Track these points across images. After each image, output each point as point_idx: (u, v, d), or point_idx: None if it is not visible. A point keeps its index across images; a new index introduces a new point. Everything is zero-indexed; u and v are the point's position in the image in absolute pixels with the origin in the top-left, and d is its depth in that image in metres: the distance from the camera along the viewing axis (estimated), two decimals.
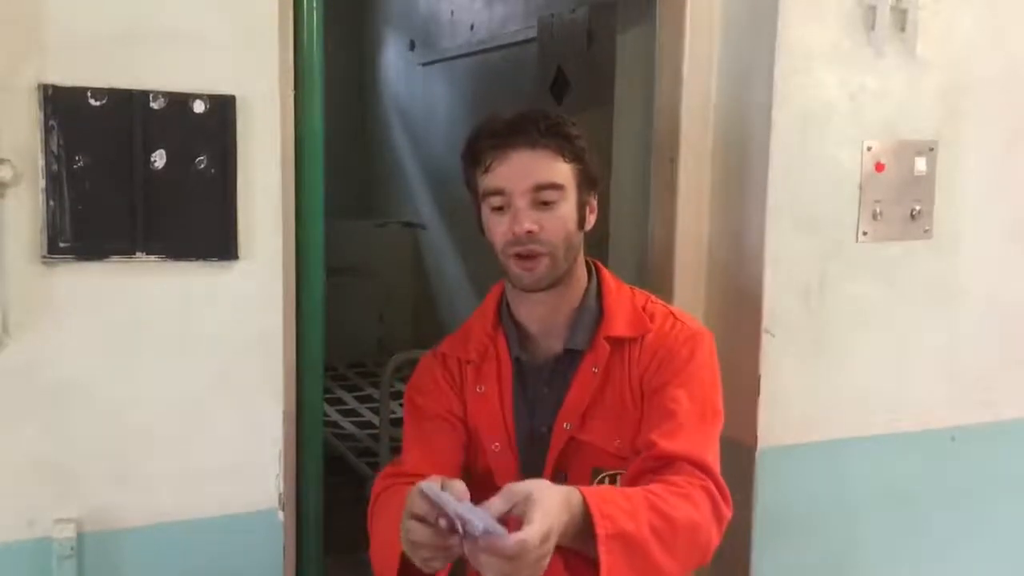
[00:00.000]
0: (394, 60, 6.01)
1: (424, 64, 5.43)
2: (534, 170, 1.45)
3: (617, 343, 1.52)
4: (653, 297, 1.61)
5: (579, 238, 1.52)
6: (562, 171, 1.47)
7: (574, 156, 1.49)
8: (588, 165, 1.51)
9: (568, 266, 1.51)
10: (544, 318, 1.55)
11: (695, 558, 1.34)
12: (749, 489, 1.93)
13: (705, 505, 1.35)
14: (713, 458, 1.43)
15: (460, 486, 1.15)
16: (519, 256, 1.46)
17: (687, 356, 1.49)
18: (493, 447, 1.53)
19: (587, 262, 1.59)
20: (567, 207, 1.48)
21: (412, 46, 5.68)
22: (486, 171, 1.48)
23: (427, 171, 5.46)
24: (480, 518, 1.08)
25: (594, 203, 1.55)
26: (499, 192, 1.46)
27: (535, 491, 1.15)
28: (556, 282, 1.50)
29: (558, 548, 1.19)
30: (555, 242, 1.46)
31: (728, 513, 1.39)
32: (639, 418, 1.49)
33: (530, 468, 1.49)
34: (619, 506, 1.24)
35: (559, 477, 1.47)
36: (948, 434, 2.11)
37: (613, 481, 1.48)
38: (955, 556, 2.17)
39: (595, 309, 1.55)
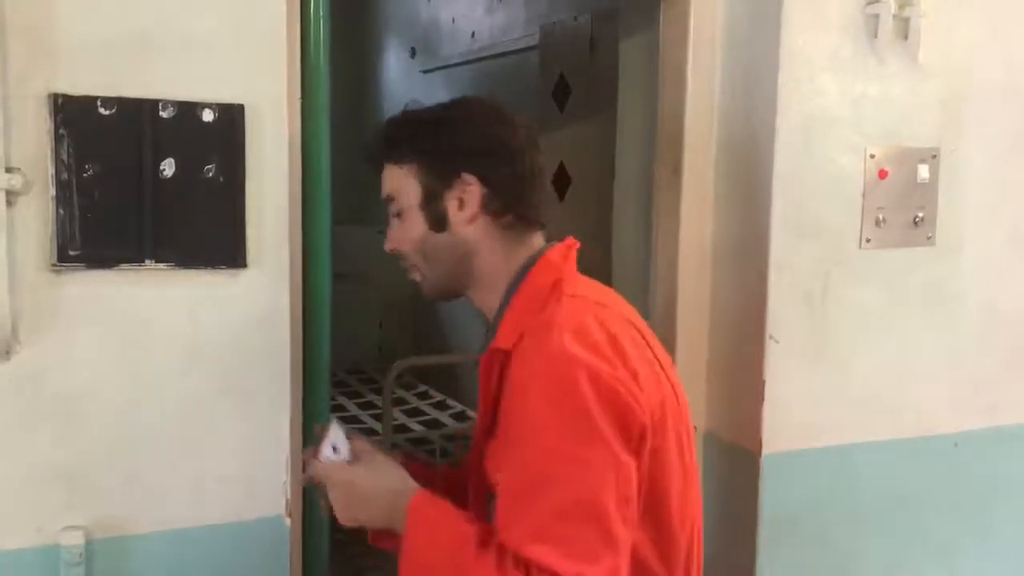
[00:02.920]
0: (395, 67, 6.02)
1: (425, 71, 5.44)
2: (382, 188, 1.39)
3: (504, 356, 1.27)
4: (560, 304, 1.26)
5: (443, 241, 1.33)
6: (395, 179, 1.36)
7: (411, 154, 1.34)
8: (432, 157, 1.33)
9: (447, 272, 1.36)
10: (485, 318, 1.41)
11: None
12: (754, 494, 1.93)
13: None
14: (547, 544, 1.12)
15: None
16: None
17: (524, 396, 1.20)
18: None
19: (538, 250, 1.35)
20: (408, 215, 1.36)
21: (413, 53, 5.69)
22: None
23: None
24: (333, 443, 1.32)
25: (470, 189, 1.31)
26: None
27: (371, 456, 1.32)
28: (449, 289, 1.40)
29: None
30: (407, 252, 1.38)
31: None
32: None
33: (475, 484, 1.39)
34: (433, 531, 1.23)
35: (480, 496, 1.35)
36: (951, 439, 2.12)
37: None
38: (958, 560, 2.18)
39: (503, 313, 1.34)
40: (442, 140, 1.34)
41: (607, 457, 1.16)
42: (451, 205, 1.33)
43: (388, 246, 1.41)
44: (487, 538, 1.18)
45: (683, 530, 1.28)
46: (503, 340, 1.27)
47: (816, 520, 2.02)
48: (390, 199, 1.38)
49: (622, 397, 1.18)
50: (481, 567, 1.16)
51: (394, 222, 1.39)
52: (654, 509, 1.24)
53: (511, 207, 1.34)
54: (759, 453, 1.93)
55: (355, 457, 1.32)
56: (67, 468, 1.51)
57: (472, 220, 1.33)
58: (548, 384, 1.18)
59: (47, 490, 1.50)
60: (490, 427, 1.31)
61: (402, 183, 1.35)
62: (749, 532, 1.95)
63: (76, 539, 1.49)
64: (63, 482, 1.51)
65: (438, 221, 1.34)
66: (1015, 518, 2.23)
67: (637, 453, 1.19)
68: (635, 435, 1.19)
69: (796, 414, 1.96)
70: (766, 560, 1.96)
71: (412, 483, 1.29)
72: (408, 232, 1.36)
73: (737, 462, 1.96)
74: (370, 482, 1.29)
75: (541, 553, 1.11)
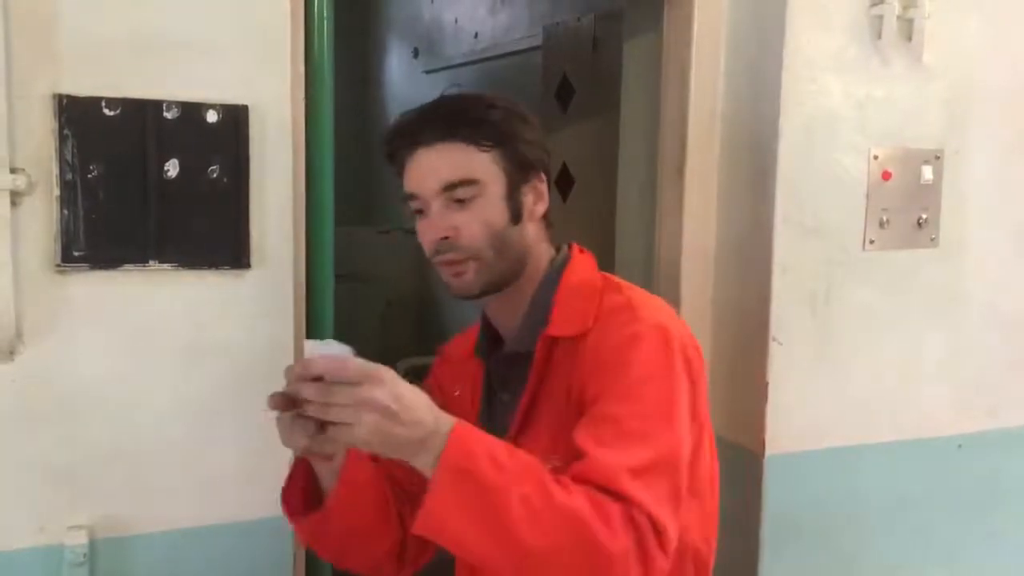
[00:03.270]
0: (398, 68, 6.02)
1: (428, 72, 5.44)
2: (441, 168, 1.28)
3: (556, 344, 1.30)
4: (627, 291, 1.33)
5: (516, 233, 1.32)
6: (478, 163, 1.28)
7: (494, 141, 1.29)
8: (517, 146, 1.30)
9: (510, 266, 1.32)
10: (500, 316, 1.39)
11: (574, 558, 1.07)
12: (757, 496, 1.93)
13: (617, 525, 1.08)
14: (642, 482, 1.12)
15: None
16: (445, 263, 1.31)
17: (621, 360, 1.21)
18: None
19: (564, 250, 1.39)
20: (488, 202, 1.29)
21: (416, 54, 5.69)
22: (400, 173, 1.33)
23: None
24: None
25: (541, 187, 1.34)
26: (413, 196, 1.32)
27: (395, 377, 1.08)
28: (497, 286, 1.32)
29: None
30: (477, 245, 1.28)
31: (660, 561, 1.10)
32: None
33: None
34: (491, 451, 1.08)
35: None
36: (955, 441, 2.12)
37: None
38: (962, 563, 2.17)
39: (547, 306, 1.33)
40: (532, 131, 1.33)
41: (685, 430, 1.21)
42: (527, 199, 1.33)
43: (441, 234, 1.28)
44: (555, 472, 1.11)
45: (717, 512, 1.35)
46: (566, 327, 1.29)
47: (819, 522, 2.02)
48: (468, 183, 1.27)
49: (701, 380, 1.26)
50: (565, 489, 1.08)
51: (438, 210, 1.29)
52: (699, 488, 1.29)
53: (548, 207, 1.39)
54: (762, 454, 1.93)
55: None
56: (70, 468, 1.51)
57: (541, 216, 1.36)
58: (649, 348, 1.21)
59: (50, 490, 1.50)
60: (524, 419, 1.30)
61: (484, 167, 1.29)
62: (752, 533, 1.94)
63: (79, 539, 1.49)
64: (66, 482, 1.51)
65: (516, 213, 1.32)
66: (1018, 520, 2.23)
67: (697, 434, 1.25)
68: (699, 416, 1.26)
69: (799, 415, 1.96)
70: (768, 561, 1.96)
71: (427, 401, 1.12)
72: (487, 218, 1.29)
73: (740, 463, 1.96)
74: (415, 393, 1.09)
75: (638, 490, 1.10)
